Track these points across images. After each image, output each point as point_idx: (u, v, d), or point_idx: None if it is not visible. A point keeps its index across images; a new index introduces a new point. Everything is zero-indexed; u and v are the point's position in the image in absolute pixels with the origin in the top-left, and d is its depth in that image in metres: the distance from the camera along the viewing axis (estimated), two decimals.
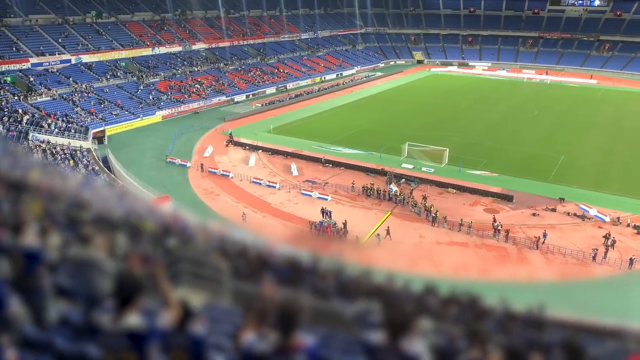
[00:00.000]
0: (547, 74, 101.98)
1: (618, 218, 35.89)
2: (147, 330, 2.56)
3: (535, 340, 3.38)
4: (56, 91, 58.51)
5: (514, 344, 2.89)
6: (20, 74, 58.48)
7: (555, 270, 29.96)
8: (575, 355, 3.09)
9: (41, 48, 63.68)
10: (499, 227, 33.70)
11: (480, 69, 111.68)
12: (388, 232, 33.16)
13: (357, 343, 2.93)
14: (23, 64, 59.99)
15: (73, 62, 65.85)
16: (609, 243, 31.89)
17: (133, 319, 2.56)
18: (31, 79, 58.22)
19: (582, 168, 47.02)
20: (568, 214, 36.95)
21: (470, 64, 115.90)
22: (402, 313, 2.88)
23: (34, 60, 61.34)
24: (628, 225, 35.02)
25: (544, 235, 32.58)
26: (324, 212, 35.78)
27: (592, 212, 36.80)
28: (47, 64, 62.64)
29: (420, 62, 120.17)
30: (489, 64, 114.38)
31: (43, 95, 56.57)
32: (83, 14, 75.18)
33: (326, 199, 39.20)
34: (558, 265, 30.48)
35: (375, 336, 2.82)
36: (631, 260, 29.96)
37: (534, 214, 37.03)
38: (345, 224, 33.93)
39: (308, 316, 2.42)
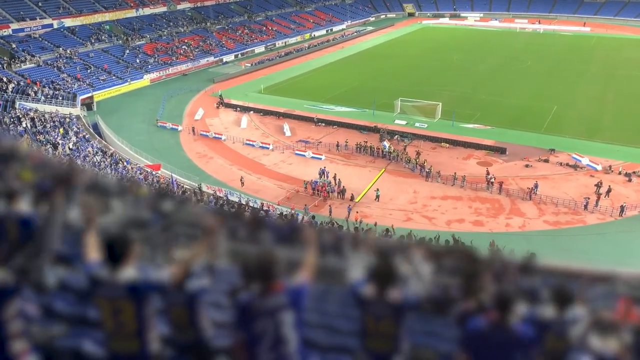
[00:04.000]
0: (539, 22, 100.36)
1: (610, 166, 36.21)
2: (144, 282, 2.76)
3: (525, 287, 3.48)
4: (40, 57, 57.12)
5: (504, 291, 2.97)
6: (1, 40, 56.87)
7: (547, 220, 30.44)
8: (565, 299, 3.18)
9: (21, 13, 61.70)
10: (492, 180, 33.97)
11: (472, 20, 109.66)
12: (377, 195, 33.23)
13: (350, 295, 3.04)
14: (4, 30, 58.22)
15: (55, 26, 64.00)
16: (600, 191, 32.27)
17: (129, 272, 2.74)
18: (13, 46, 56.69)
19: (574, 118, 47.01)
20: (560, 164, 37.22)
21: (462, 15, 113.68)
22: (388, 265, 2.98)
23: (15, 26, 59.53)
24: (619, 173, 35.38)
25: (535, 186, 32.90)
26: (322, 172, 35.76)
27: (584, 161, 37.07)
28: (29, 29, 60.86)
29: (411, 14, 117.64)
30: (481, 15, 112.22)
31: (27, 62, 55.27)
32: None
33: (320, 158, 39.19)
34: (550, 215, 30.94)
35: (366, 289, 2.93)
36: (622, 207, 30.42)
37: (527, 165, 37.27)
38: (339, 182, 34.10)
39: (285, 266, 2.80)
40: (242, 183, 35.20)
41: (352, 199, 33.16)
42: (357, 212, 31.19)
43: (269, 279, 2.73)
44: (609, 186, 32.78)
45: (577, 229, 29.55)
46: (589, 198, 31.40)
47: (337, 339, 3.53)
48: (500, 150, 39.66)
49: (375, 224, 28.71)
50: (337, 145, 41.05)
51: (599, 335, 2.98)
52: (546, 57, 72.49)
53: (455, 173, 35.11)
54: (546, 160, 37.71)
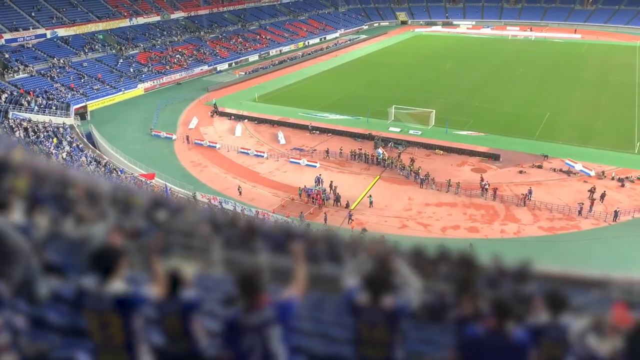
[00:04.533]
0: (531, 30, 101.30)
1: (603, 172, 36.45)
2: (132, 296, 2.72)
3: (519, 292, 3.49)
4: (33, 67, 56.97)
5: (502, 297, 2.97)
6: None
7: (542, 226, 30.53)
8: (559, 304, 3.19)
9: (14, 23, 61.61)
10: (487, 186, 34.07)
11: (464, 27, 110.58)
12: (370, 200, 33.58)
13: (345, 303, 3.04)
14: None
15: (49, 36, 63.92)
16: (593, 197, 32.40)
17: (117, 286, 2.71)
18: (6, 56, 56.52)
19: (567, 124, 47.34)
20: (554, 170, 37.41)
21: (455, 23, 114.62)
22: (383, 272, 2.98)
23: (8, 36, 59.38)
24: (612, 179, 35.60)
25: (529, 192, 33.02)
26: (318, 180, 35.73)
27: (578, 167, 37.29)
28: (22, 39, 60.72)
29: (404, 23, 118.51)
30: (473, 22, 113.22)
31: (20, 72, 55.09)
32: None
33: (315, 166, 39.20)
34: (545, 220, 31.05)
35: (360, 296, 2.92)
36: (616, 212, 30.58)
37: (520, 172, 37.44)
38: (334, 189, 34.11)
39: (268, 279, 2.82)
40: (240, 192, 35.03)
41: (347, 206, 33.16)
42: (352, 221, 31.18)
43: (253, 293, 2.70)
44: (604, 191, 32.97)
45: (571, 235, 29.66)
46: (582, 203, 31.55)
47: (332, 347, 3.52)
48: (494, 157, 39.83)
49: (365, 230, 28.70)
50: (327, 152, 41.19)
51: (596, 338, 2.98)
52: (538, 64, 73.10)
53: (449, 180, 35.19)
54: (540, 167, 37.90)
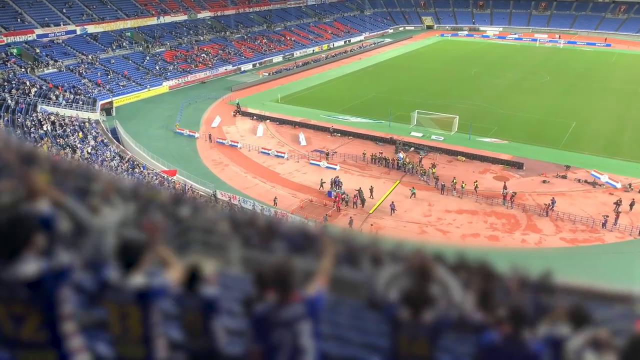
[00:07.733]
0: (559, 38, 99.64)
1: (630, 184, 35.60)
2: (151, 288, 2.73)
3: (541, 305, 3.41)
4: (62, 63, 58.29)
5: (519, 305, 2.92)
6: (26, 45, 58.22)
7: (565, 237, 29.97)
8: (581, 319, 3.11)
9: (46, 19, 63.14)
10: (512, 195, 33.53)
11: (491, 34, 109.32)
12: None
13: (368, 310, 3.00)
14: (28, 35, 59.60)
15: (78, 32, 65.33)
16: (619, 210, 31.63)
17: (138, 279, 2.72)
18: (37, 51, 57.96)
19: (594, 134, 46.40)
20: (579, 180, 36.70)
21: (481, 29, 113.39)
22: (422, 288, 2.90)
23: (39, 31, 60.90)
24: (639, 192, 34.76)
25: (553, 202, 32.44)
26: (334, 182, 35.73)
27: (603, 178, 36.50)
28: (53, 35, 62.22)
29: (429, 27, 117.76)
30: (500, 29, 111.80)
31: (50, 67, 56.43)
32: None
33: (335, 169, 39.19)
34: (568, 232, 30.47)
35: (401, 311, 2.85)
36: None
37: (544, 181, 36.83)
38: (360, 192, 34.03)
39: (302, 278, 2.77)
40: (275, 203, 33.71)
41: (362, 202, 33.15)
42: (372, 225, 31.06)
43: (287, 289, 2.70)
44: (632, 199, 32.19)
45: (595, 247, 29.05)
46: (607, 216, 30.85)
47: (347, 349, 3.50)
48: (517, 165, 39.26)
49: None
50: (327, 155, 41.29)
51: (593, 355, 2.90)
52: (566, 72, 71.87)
53: (462, 182, 34.82)
54: (564, 177, 37.22)
